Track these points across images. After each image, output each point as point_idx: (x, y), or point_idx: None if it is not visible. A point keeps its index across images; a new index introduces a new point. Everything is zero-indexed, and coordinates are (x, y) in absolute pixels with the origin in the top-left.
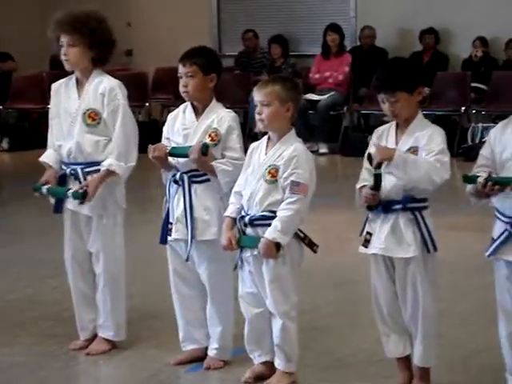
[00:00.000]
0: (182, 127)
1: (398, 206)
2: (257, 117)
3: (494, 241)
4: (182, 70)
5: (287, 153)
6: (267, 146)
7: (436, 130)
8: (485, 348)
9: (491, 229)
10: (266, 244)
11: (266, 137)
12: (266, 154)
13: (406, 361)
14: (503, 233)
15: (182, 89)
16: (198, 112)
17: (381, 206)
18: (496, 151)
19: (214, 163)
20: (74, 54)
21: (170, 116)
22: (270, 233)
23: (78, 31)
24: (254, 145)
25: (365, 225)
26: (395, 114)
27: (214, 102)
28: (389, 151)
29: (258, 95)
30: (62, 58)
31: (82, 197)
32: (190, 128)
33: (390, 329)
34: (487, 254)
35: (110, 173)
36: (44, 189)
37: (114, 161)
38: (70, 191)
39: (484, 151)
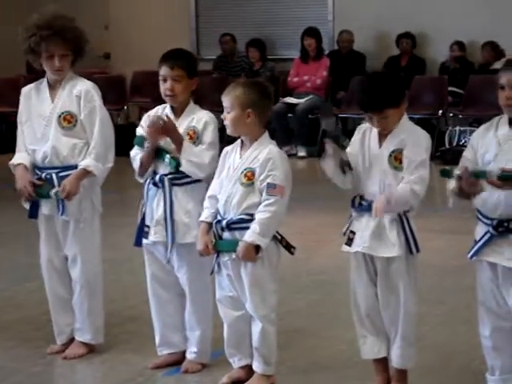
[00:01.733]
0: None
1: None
2: (224, 122)
3: (477, 243)
4: (167, 72)
5: (262, 155)
6: (241, 149)
7: (421, 135)
8: (464, 350)
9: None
10: (245, 247)
11: (239, 140)
12: (240, 157)
13: (383, 363)
14: (485, 234)
15: (167, 92)
16: (176, 113)
17: (367, 204)
18: (478, 154)
19: (184, 141)
20: (67, 64)
21: (147, 116)
22: (249, 236)
23: (71, 42)
24: (227, 149)
25: (349, 224)
26: (385, 129)
27: (191, 103)
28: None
29: (223, 100)
30: (55, 69)
31: (45, 190)
32: None
33: (368, 331)
34: (469, 255)
35: (86, 173)
36: (52, 193)
37: (92, 161)
38: (53, 191)
39: (467, 153)
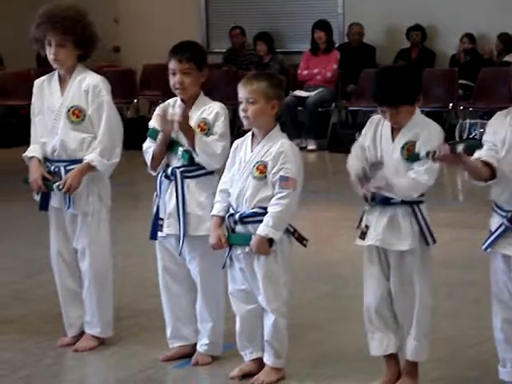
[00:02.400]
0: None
1: (395, 200)
2: (241, 114)
3: (492, 234)
4: (176, 66)
5: (274, 148)
6: (252, 142)
7: (435, 129)
8: (473, 344)
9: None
10: (258, 240)
11: (249, 134)
12: (252, 150)
13: (393, 358)
14: (500, 226)
15: (176, 85)
16: (187, 106)
17: (379, 198)
18: (497, 137)
19: (196, 133)
20: (64, 54)
21: (159, 108)
22: (263, 229)
23: (65, 31)
24: (237, 142)
25: (362, 217)
26: (397, 123)
27: (201, 95)
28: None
29: (243, 92)
30: (51, 57)
31: (59, 187)
32: None
33: (376, 327)
34: (484, 246)
35: (90, 167)
36: (54, 186)
37: (96, 156)
38: (56, 184)
39: (487, 137)
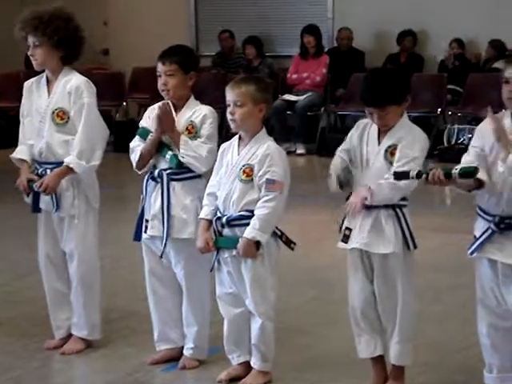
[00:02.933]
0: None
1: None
2: (229, 116)
3: (477, 239)
4: (161, 68)
5: (260, 151)
6: (239, 145)
7: (419, 134)
8: (460, 348)
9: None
10: (245, 243)
11: (236, 137)
12: (238, 153)
13: (380, 361)
14: (486, 231)
15: (161, 87)
16: (176, 109)
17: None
18: (485, 142)
19: (182, 135)
20: (39, 54)
21: (150, 109)
22: (249, 232)
23: (41, 31)
24: (224, 145)
25: (343, 220)
26: (384, 125)
27: (191, 99)
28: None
29: (231, 95)
30: (30, 57)
31: (43, 190)
32: None
33: (362, 330)
34: (470, 251)
35: (68, 170)
36: (34, 186)
37: (73, 158)
38: (35, 184)
39: (474, 142)
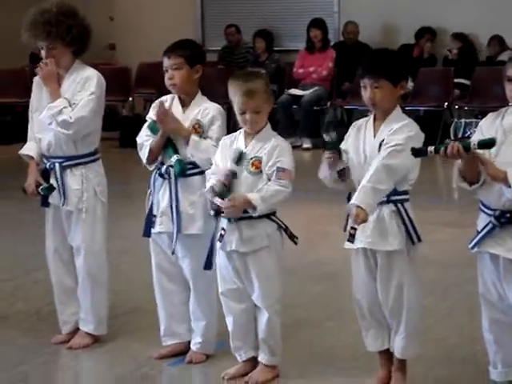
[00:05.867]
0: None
1: (383, 199)
2: (245, 117)
3: (478, 233)
4: (167, 62)
5: (268, 144)
6: (245, 139)
7: (409, 124)
8: (467, 342)
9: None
10: (242, 199)
11: (240, 130)
12: (245, 147)
13: (387, 355)
14: (487, 225)
15: (168, 82)
16: (184, 104)
17: None
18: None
19: (192, 135)
20: (56, 55)
21: (158, 101)
22: (252, 194)
23: (53, 35)
24: (226, 139)
25: (347, 219)
26: (374, 102)
27: (199, 94)
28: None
29: (248, 102)
30: (44, 58)
31: (48, 191)
32: None
33: (369, 323)
34: (470, 246)
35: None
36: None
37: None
38: (40, 187)
39: (474, 138)
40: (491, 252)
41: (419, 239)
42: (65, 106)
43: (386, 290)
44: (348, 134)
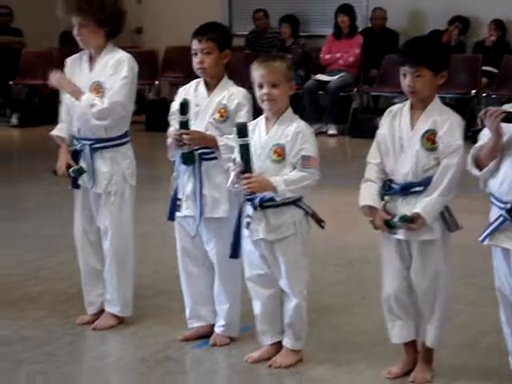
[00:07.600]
0: (193, 104)
1: (418, 188)
2: (265, 97)
3: (488, 226)
4: (197, 46)
5: (290, 130)
6: (266, 125)
7: (456, 118)
8: (492, 330)
9: None
10: (264, 181)
11: (262, 116)
12: (267, 133)
13: (412, 345)
14: (498, 218)
15: (197, 65)
16: (209, 88)
17: (399, 188)
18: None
19: (217, 137)
20: (86, 34)
21: (182, 90)
22: (276, 179)
23: (86, 11)
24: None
25: (383, 209)
26: (414, 91)
27: (225, 78)
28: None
29: (264, 75)
30: (76, 37)
31: (78, 173)
32: (201, 105)
33: (396, 316)
34: (480, 239)
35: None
36: (71, 171)
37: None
38: (71, 169)
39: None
40: (502, 246)
41: (457, 227)
42: (92, 98)
43: (421, 278)
44: (382, 121)
